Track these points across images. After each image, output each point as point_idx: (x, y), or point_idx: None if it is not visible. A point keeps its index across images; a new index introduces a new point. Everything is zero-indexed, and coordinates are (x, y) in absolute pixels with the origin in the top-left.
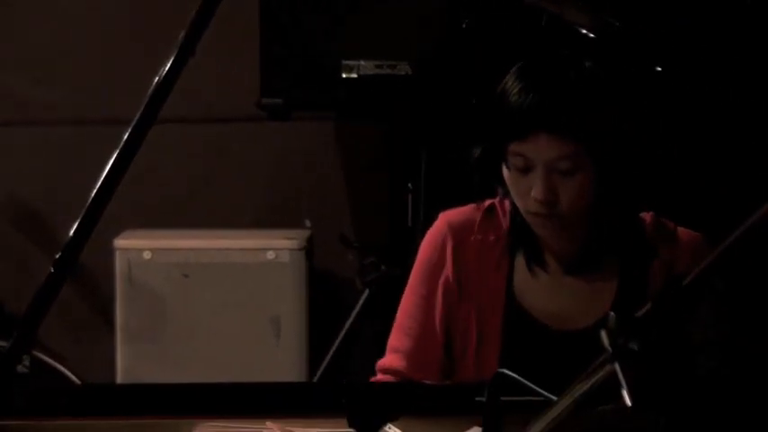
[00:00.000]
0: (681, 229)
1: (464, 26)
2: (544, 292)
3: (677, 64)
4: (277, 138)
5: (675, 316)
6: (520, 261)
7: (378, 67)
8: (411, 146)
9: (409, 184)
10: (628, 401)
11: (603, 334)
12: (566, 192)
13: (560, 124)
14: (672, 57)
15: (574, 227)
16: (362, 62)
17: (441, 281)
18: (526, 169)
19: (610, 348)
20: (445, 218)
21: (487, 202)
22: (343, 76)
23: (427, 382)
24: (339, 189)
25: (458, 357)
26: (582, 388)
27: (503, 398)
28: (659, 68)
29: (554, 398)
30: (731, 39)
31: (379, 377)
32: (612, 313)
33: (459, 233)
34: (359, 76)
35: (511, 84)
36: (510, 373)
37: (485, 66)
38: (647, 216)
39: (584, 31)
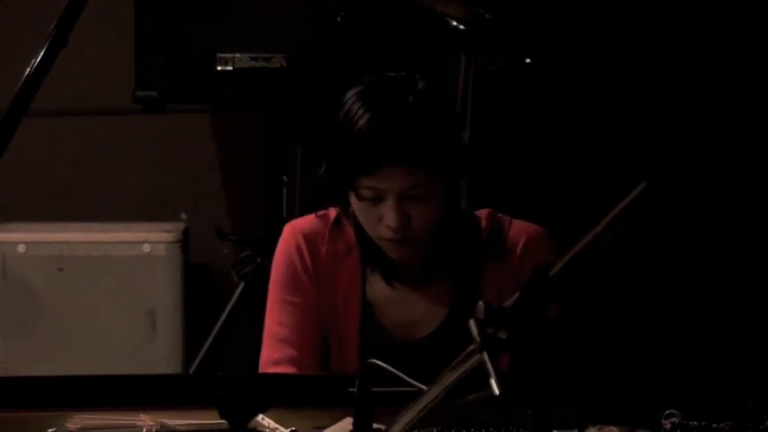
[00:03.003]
0: (517, 223)
1: (339, 19)
2: (394, 303)
3: (549, 55)
4: (152, 130)
5: (542, 306)
6: (371, 272)
7: (252, 59)
8: (286, 138)
9: (284, 177)
10: (496, 391)
11: (472, 323)
12: (418, 216)
13: (412, 156)
14: (543, 48)
15: (423, 243)
16: (237, 55)
17: (305, 285)
18: (377, 199)
19: (478, 338)
20: (295, 227)
21: (332, 213)
22: (218, 68)
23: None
24: (215, 182)
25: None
26: (451, 377)
27: (373, 388)
28: (528, 60)
29: (424, 388)
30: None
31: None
32: (481, 303)
33: (311, 242)
34: (234, 68)
35: (354, 113)
36: (380, 363)
37: (359, 59)
38: (482, 213)
39: (455, 23)
